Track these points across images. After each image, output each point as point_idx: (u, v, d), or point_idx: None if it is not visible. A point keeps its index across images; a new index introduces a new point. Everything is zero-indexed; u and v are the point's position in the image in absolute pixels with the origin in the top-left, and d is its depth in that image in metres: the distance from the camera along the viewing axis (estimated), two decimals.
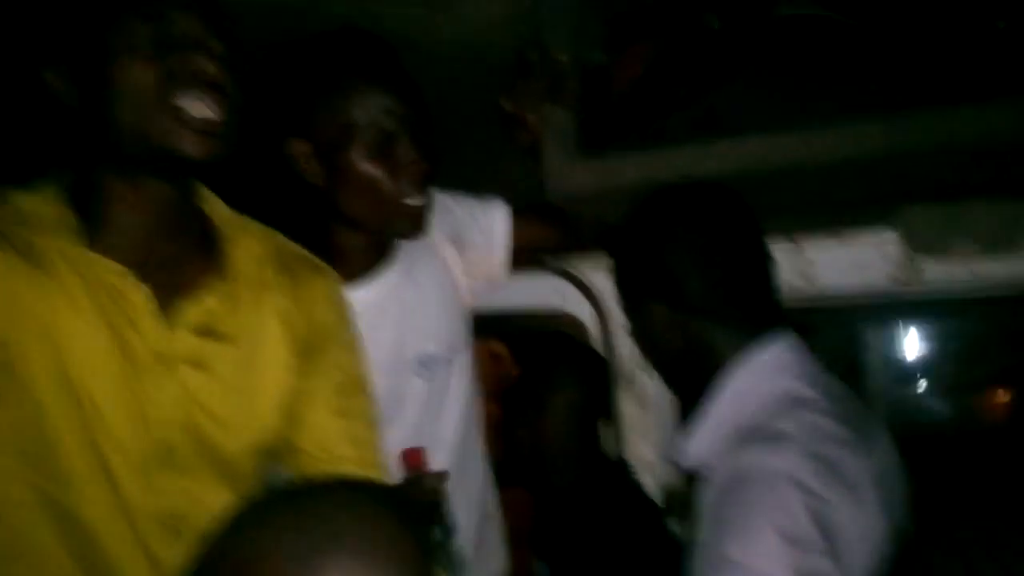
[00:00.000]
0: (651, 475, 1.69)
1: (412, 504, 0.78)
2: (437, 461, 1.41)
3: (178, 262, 1.04)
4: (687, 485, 1.70)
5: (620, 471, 1.65)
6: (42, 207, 1.00)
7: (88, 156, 1.01)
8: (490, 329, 1.94)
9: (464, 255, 1.49)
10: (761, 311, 1.17)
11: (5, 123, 1.27)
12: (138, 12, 0.94)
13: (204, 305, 1.03)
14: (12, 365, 0.93)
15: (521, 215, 1.53)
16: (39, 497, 0.95)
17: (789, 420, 1.05)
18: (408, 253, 1.42)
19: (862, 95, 1.32)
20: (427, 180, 1.30)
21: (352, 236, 1.35)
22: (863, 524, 0.99)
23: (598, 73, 1.37)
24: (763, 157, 1.31)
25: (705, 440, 1.12)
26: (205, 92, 0.95)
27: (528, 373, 1.69)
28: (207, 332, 1.03)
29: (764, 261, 1.19)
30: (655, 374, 1.68)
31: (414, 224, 1.32)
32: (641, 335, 1.25)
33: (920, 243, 1.48)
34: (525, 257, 1.57)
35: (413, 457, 1.19)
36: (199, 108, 0.95)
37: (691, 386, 1.21)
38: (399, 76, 1.28)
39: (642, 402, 1.72)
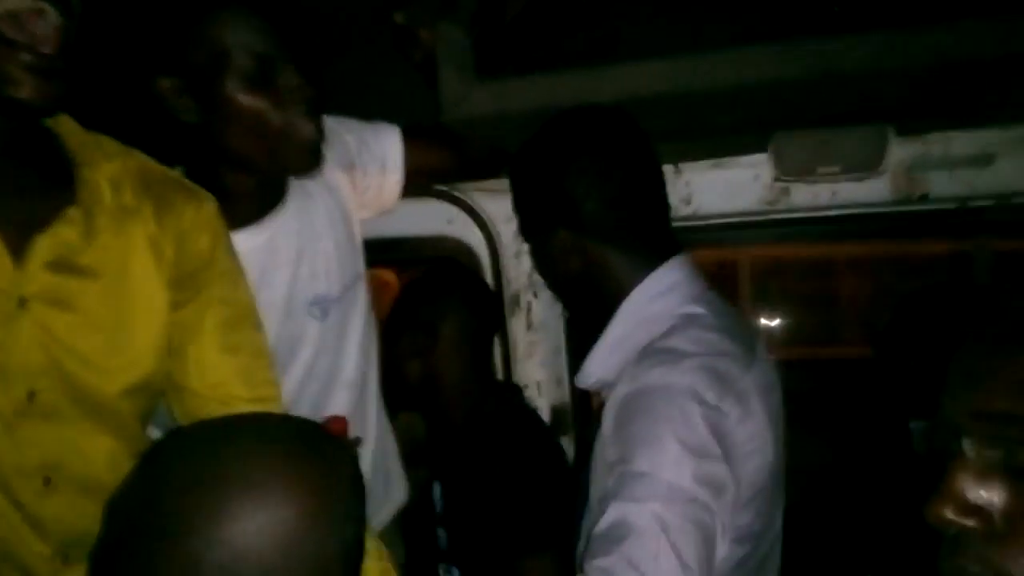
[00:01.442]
0: (541, 395, 1.74)
1: (326, 438, 0.77)
2: (336, 401, 1.39)
3: (26, 192, 0.94)
4: (575, 404, 1.77)
5: (510, 393, 1.68)
6: None
7: None
8: (377, 256, 1.90)
9: (357, 183, 1.44)
10: (656, 234, 1.21)
11: None
12: None
13: (59, 238, 0.94)
14: None
15: (414, 139, 1.49)
16: None
17: (683, 338, 1.10)
18: (300, 190, 1.35)
19: (752, 21, 1.36)
20: (316, 108, 1.20)
21: (241, 178, 1.25)
22: (752, 432, 1.06)
23: None
24: (655, 82, 1.33)
25: (605, 361, 1.16)
26: (33, 22, 0.84)
27: (416, 301, 1.68)
28: (65, 267, 0.94)
29: (659, 186, 1.23)
30: (543, 296, 1.74)
31: (308, 159, 1.23)
32: (541, 259, 1.27)
33: (789, 167, 1.58)
34: (416, 182, 1.54)
35: (336, 426, 1.15)
36: (28, 48, 0.84)
37: (590, 308, 1.25)
38: None
39: (531, 324, 1.76)
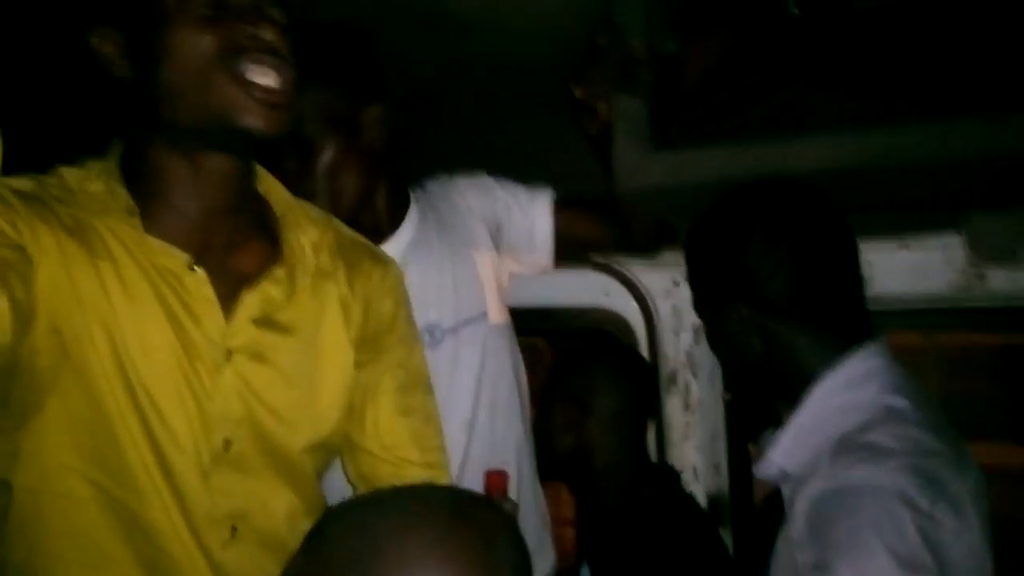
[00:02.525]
0: (697, 481, 1.64)
1: (486, 513, 0.75)
2: (450, 437, 1.36)
3: (236, 247, 0.98)
4: (733, 494, 1.66)
5: (667, 477, 1.59)
6: (92, 184, 0.93)
7: (141, 129, 0.94)
8: (531, 324, 1.88)
9: (504, 242, 1.46)
10: (849, 315, 1.12)
11: (53, 94, 1.19)
12: None
13: (265, 295, 0.97)
14: (68, 353, 0.87)
15: (569, 209, 1.48)
16: (98, 493, 0.89)
17: (886, 433, 0.99)
18: (426, 215, 1.40)
19: (939, 95, 1.27)
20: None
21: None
22: (970, 547, 0.94)
23: (671, 62, 1.31)
24: (843, 155, 1.26)
25: (791, 451, 1.07)
26: (268, 60, 0.89)
27: (570, 373, 1.63)
28: (266, 322, 0.97)
29: (852, 264, 1.14)
30: (702, 376, 1.66)
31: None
32: (716, 337, 1.20)
33: (986, 250, 1.45)
34: (570, 251, 1.52)
35: (495, 480, 1.13)
36: (263, 76, 0.89)
37: (767, 392, 1.16)
38: None
39: (688, 405, 1.67)
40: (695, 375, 1.66)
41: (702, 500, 1.65)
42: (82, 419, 0.88)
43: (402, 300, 1.14)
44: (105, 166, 0.95)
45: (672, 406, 1.68)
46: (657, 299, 1.69)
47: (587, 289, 1.73)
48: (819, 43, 1.26)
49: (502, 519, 0.76)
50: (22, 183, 0.89)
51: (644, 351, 1.70)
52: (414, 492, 0.83)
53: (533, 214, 1.48)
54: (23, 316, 0.79)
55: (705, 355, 1.62)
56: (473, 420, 1.42)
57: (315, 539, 0.72)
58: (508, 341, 1.50)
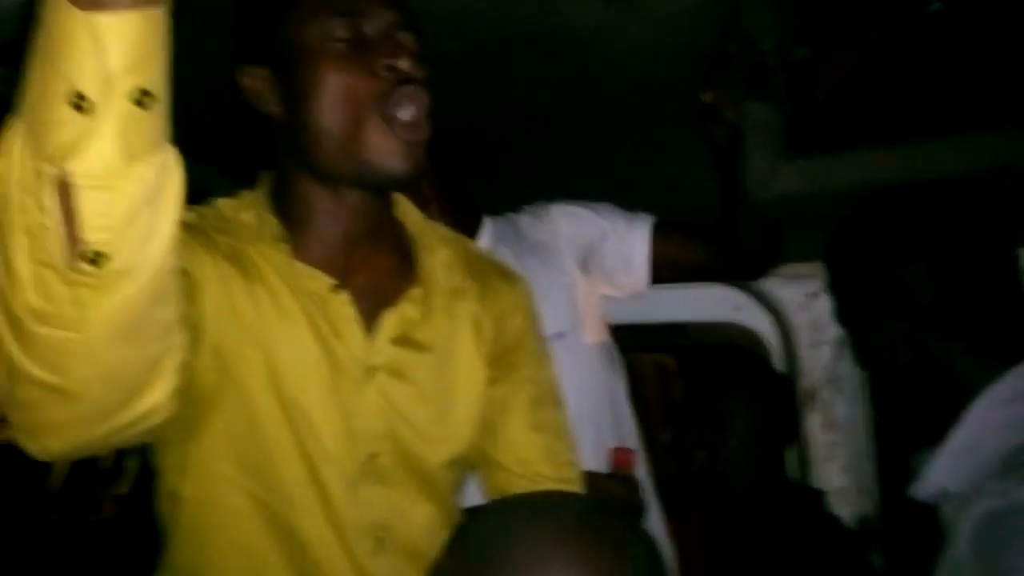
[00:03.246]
0: (844, 504, 1.56)
1: (625, 522, 0.75)
2: None
3: (376, 270, 1.01)
4: (883, 517, 1.56)
5: (811, 500, 1.52)
6: (246, 214, 0.99)
7: (288, 163, 0.99)
8: (657, 341, 1.86)
9: (597, 266, 1.47)
10: (1008, 328, 1.04)
11: (206, 126, 1.27)
12: (335, 9, 0.91)
13: (403, 315, 1.00)
14: (229, 372, 0.92)
15: (669, 233, 1.48)
16: (255, 505, 0.94)
17: None
18: (504, 238, 1.44)
19: None
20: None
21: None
22: None
23: (803, 68, 1.27)
24: (983, 156, 1.18)
25: (952, 470, 1.00)
26: (407, 92, 0.91)
27: (703, 390, 1.59)
28: (405, 341, 1.00)
29: (1011, 273, 1.06)
30: (846, 391, 1.58)
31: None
32: (863, 350, 1.14)
33: None
34: (668, 276, 1.52)
35: (621, 457, 1.13)
36: (404, 111, 0.91)
37: (921, 409, 1.09)
38: None
39: (830, 423, 1.60)
40: (838, 391, 1.58)
41: (849, 523, 1.56)
42: (241, 434, 0.93)
43: (531, 316, 1.15)
44: (256, 196, 1.01)
45: (812, 425, 1.61)
46: (792, 313, 1.63)
47: (717, 304, 1.69)
48: (958, 40, 1.19)
49: (634, 527, 0.76)
50: (184, 215, 0.96)
51: (780, 367, 1.63)
52: (548, 497, 0.85)
53: (631, 240, 1.48)
54: (190, 337, 0.84)
55: (848, 370, 1.55)
56: (590, 445, 1.38)
57: (458, 539, 0.75)
58: (601, 361, 1.49)
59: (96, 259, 0.58)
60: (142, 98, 0.57)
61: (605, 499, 0.82)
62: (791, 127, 1.23)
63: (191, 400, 0.91)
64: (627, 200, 1.52)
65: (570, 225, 1.50)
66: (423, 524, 1.01)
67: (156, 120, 0.59)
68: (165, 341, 0.69)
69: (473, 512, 0.81)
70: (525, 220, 1.54)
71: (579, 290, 1.49)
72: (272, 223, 0.98)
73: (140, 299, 0.62)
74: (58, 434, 0.67)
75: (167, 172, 0.61)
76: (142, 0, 0.56)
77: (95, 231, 0.57)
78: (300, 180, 0.98)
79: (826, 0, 1.28)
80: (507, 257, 1.42)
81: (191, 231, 0.93)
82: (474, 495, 1.15)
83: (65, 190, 0.56)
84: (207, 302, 0.90)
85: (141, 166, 0.58)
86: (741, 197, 1.29)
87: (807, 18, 1.29)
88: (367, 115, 0.90)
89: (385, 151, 0.91)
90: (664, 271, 1.49)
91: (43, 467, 2.05)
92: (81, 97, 0.55)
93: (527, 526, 0.70)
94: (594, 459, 1.40)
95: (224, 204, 1.01)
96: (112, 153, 0.56)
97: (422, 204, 1.33)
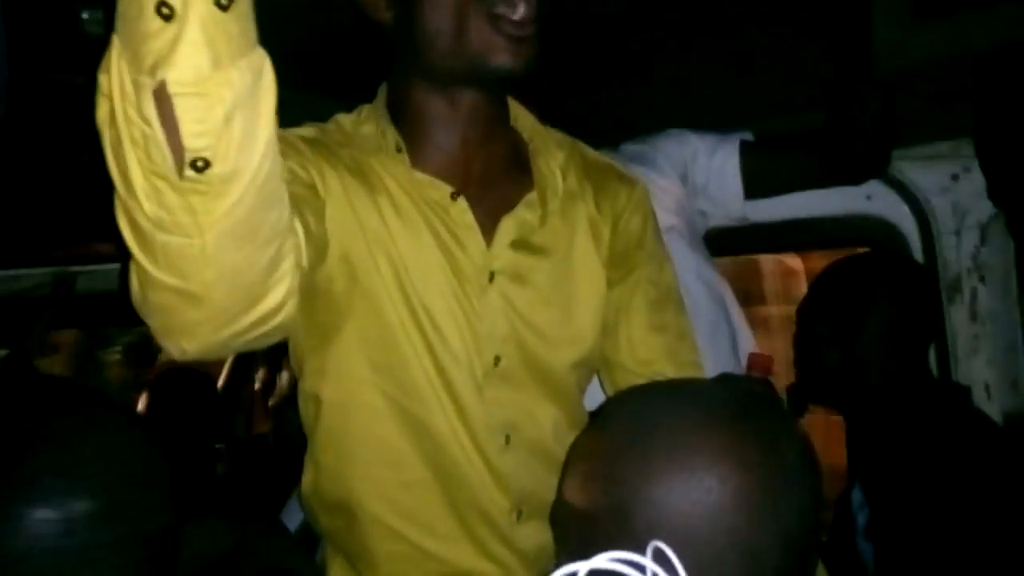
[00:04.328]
0: (990, 400, 1.46)
1: (779, 416, 0.71)
2: None
3: (492, 176, 1.03)
4: None
5: (953, 395, 1.43)
6: (366, 126, 1.02)
7: (403, 71, 1.00)
8: (784, 239, 1.77)
9: (691, 186, 1.49)
10: None
11: (323, 46, 1.28)
12: None
13: (521, 220, 1.02)
14: (358, 279, 0.96)
15: (762, 149, 1.48)
16: (390, 404, 0.98)
17: None
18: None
19: None
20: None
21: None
22: None
23: None
24: None
25: None
26: None
27: (836, 285, 1.51)
28: (524, 246, 1.02)
29: None
30: (991, 281, 1.46)
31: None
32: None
33: None
34: (769, 191, 1.52)
35: (759, 361, 1.13)
36: (511, 9, 0.90)
37: None
38: None
39: (976, 315, 1.48)
40: (983, 280, 1.46)
41: (997, 420, 1.46)
42: (372, 337, 0.97)
43: (649, 217, 1.14)
44: (374, 109, 1.04)
45: (956, 317, 1.50)
46: (932, 198, 1.51)
47: (846, 195, 1.58)
48: None
49: (786, 423, 0.72)
50: (307, 131, 1.00)
51: (919, 257, 1.52)
52: (697, 384, 0.83)
53: (722, 154, 1.49)
54: (316, 246, 0.87)
55: (995, 257, 1.43)
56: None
57: (599, 419, 0.74)
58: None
59: (199, 165, 0.60)
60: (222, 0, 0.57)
61: (758, 393, 0.78)
62: None
63: (325, 307, 0.97)
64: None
65: (667, 144, 1.52)
66: (548, 425, 1.04)
67: (239, 22, 0.59)
68: (279, 244, 0.71)
69: (619, 394, 0.82)
70: (627, 147, 1.55)
71: (683, 203, 1.50)
72: (391, 134, 1.00)
73: (247, 203, 0.64)
74: (191, 335, 0.72)
75: (259, 76, 0.62)
76: None
77: (194, 137, 0.59)
78: (415, 87, 0.99)
79: None
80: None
81: (314, 146, 0.97)
82: (598, 397, 1.16)
83: (163, 100, 0.58)
84: (331, 213, 0.94)
85: (230, 70, 0.59)
86: (867, 71, 1.18)
87: None
88: (472, 12, 0.90)
89: (492, 47, 0.91)
90: (760, 185, 1.49)
91: (205, 394, 2.22)
92: (165, 5, 0.56)
93: (674, 411, 0.69)
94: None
95: (344, 119, 1.04)
96: (200, 58, 0.57)
97: None
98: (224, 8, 0.57)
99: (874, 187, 1.56)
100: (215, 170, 0.61)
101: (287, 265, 0.72)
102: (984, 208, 1.45)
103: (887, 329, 1.41)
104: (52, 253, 1.90)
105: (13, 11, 0.81)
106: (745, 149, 1.49)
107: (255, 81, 0.61)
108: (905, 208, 1.53)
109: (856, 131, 1.35)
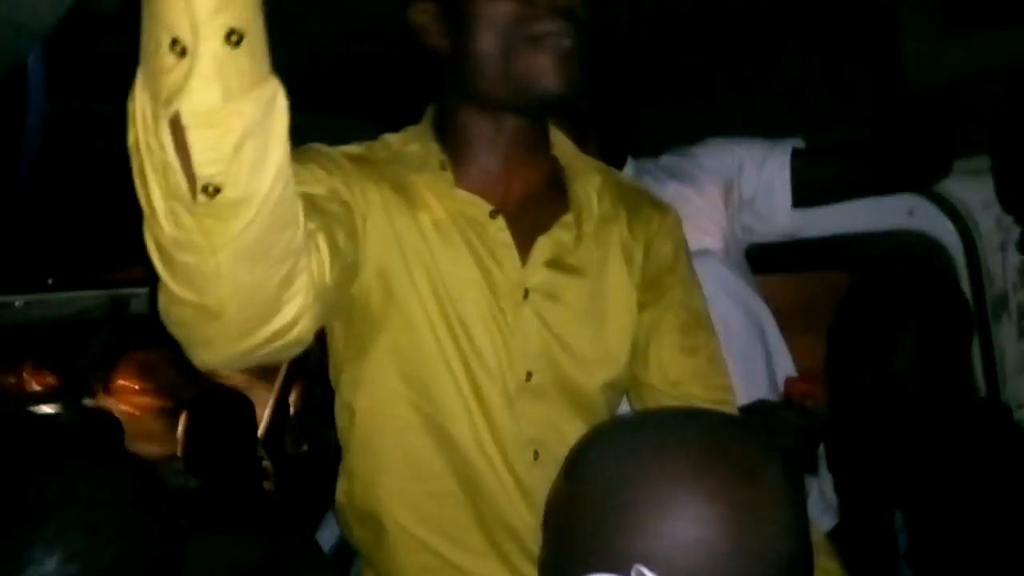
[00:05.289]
0: None
1: (758, 443, 0.70)
2: None
3: (530, 197, 1.05)
4: None
5: (997, 415, 1.39)
6: (412, 145, 1.06)
7: (453, 96, 1.04)
8: (825, 256, 1.74)
9: (737, 198, 1.45)
10: None
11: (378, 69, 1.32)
12: None
13: (556, 240, 1.04)
14: (393, 292, 0.99)
15: (811, 158, 1.43)
16: (421, 417, 1.01)
17: None
18: (644, 173, 1.44)
19: None
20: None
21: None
22: None
23: None
24: None
25: None
26: (560, 19, 0.93)
27: (871, 303, 1.48)
28: (558, 265, 1.04)
29: None
30: None
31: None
32: None
33: None
34: (818, 200, 1.47)
35: (798, 386, 1.12)
36: (554, 35, 0.93)
37: None
38: None
39: (1023, 331, 1.44)
40: None
41: None
42: (404, 350, 1.00)
43: (681, 243, 1.15)
44: (421, 129, 1.08)
45: (1003, 334, 1.45)
46: (976, 213, 1.47)
47: (887, 210, 1.55)
48: None
49: (767, 448, 0.69)
50: (354, 149, 1.04)
51: (963, 274, 1.48)
52: (672, 416, 0.80)
53: (770, 166, 1.45)
54: (344, 262, 0.90)
55: None
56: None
57: (574, 462, 0.73)
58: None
59: (211, 191, 0.63)
60: (232, 37, 0.60)
61: (738, 418, 0.77)
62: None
63: (361, 319, 1.00)
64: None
65: (710, 159, 1.49)
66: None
67: (251, 57, 0.62)
68: (292, 262, 0.73)
69: (593, 432, 0.80)
70: (666, 159, 1.54)
71: (725, 219, 1.47)
72: (436, 152, 1.04)
73: (259, 224, 0.67)
74: (210, 348, 0.75)
75: (271, 105, 0.64)
76: None
77: (206, 165, 0.62)
78: (462, 109, 1.03)
79: None
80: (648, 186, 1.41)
81: (359, 163, 1.01)
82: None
83: (177, 129, 0.62)
84: (370, 229, 0.98)
85: (241, 102, 0.62)
86: (899, 86, 1.17)
87: None
88: (519, 37, 0.94)
89: (536, 70, 0.94)
90: (810, 194, 1.45)
91: (251, 413, 2.28)
92: (178, 42, 0.59)
93: (650, 450, 0.67)
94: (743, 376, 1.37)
95: (392, 137, 1.08)
96: (211, 92, 0.60)
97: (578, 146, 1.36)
98: (236, 44, 0.60)
99: (916, 202, 1.53)
100: (226, 195, 0.64)
101: (301, 283, 0.75)
102: None
103: (918, 349, 1.38)
104: (107, 276, 1.98)
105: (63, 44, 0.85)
106: (796, 155, 1.46)
107: (267, 111, 0.64)
108: (948, 223, 1.50)
109: (899, 142, 1.33)
